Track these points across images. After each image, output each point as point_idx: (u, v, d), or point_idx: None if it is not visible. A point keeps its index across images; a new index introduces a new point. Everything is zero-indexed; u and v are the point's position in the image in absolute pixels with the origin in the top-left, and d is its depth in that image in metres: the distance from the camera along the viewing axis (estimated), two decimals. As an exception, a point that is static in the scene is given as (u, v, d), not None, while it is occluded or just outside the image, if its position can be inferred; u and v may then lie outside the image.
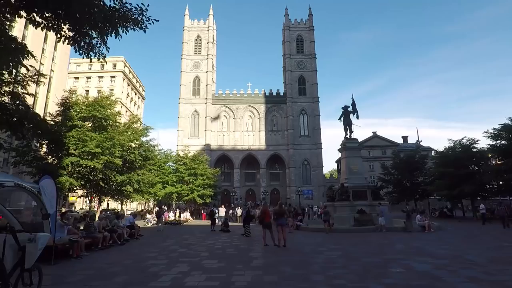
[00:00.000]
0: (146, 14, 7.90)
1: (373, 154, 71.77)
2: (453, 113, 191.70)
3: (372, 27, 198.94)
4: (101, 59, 8.34)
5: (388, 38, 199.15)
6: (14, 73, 10.94)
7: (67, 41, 7.95)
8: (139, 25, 7.96)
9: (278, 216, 14.43)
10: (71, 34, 7.91)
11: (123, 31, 7.95)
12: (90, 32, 7.83)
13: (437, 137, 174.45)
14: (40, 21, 7.66)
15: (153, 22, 8.10)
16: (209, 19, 77.96)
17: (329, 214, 21.14)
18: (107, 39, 8.05)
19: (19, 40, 9.41)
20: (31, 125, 13.53)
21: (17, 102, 12.76)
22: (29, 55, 8.23)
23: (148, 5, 7.92)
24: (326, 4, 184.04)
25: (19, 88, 14.27)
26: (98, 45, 8.08)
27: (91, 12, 7.25)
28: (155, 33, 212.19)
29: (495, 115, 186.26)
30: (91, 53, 8.12)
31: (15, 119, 12.13)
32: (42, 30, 7.97)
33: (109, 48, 8.31)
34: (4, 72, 10.26)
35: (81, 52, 8.09)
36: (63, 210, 17.29)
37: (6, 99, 12.90)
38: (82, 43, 7.97)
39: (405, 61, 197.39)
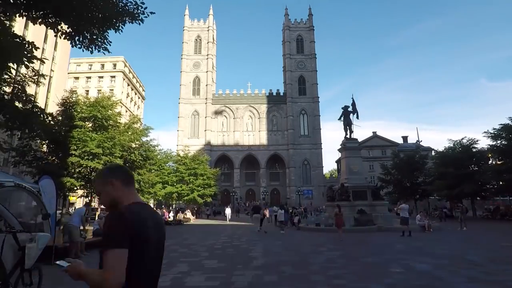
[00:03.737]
0: (141, 8, 7.91)
1: (373, 154, 71.71)
2: (422, 116, 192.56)
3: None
4: (102, 51, 8.27)
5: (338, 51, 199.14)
6: (15, 72, 10.89)
7: (63, 36, 7.94)
8: (135, 19, 7.97)
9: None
10: (68, 30, 7.91)
11: (119, 26, 7.96)
12: (88, 27, 7.83)
13: (414, 137, 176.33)
14: (38, 16, 7.66)
15: (148, 15, 8.10)
16: (209, 19, 77.97)
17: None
18: (107, 32, 8.04)
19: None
20: (36, 123, 13.47)
21: (22, 98, 12.69)
22: (30, 55, 8.22)
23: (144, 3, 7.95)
24: (326, 4, 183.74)
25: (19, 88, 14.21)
26: (99, 39, 8.07)
27: (88, 7, 7.25)
28: (155, 33, 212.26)
29: (456, 119, 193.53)
30: (91, 46, 8.09)
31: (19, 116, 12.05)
32: (40, 25, 7.96)
33: (111, 42, 8.25)
34: (13, 68, 10.20)
35: (80, 46, 8.07)
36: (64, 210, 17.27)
37: (7, 97, 12.84)
38: (81, 38, 7.95)
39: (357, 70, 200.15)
